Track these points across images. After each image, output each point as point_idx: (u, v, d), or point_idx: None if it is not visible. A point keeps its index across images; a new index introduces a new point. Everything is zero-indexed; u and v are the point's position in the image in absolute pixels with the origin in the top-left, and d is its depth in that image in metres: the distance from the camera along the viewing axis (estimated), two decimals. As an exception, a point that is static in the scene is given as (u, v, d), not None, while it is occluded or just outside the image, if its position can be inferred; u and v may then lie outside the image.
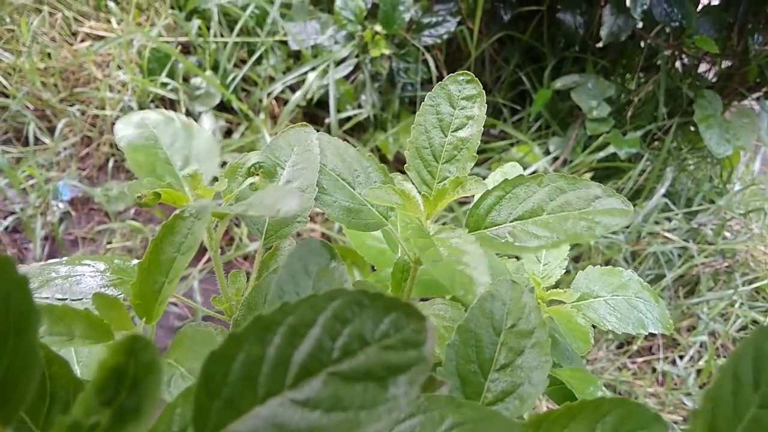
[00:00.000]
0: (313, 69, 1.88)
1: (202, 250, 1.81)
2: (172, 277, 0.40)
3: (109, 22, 2.08)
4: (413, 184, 0.57)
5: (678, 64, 2.23)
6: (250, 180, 0.49)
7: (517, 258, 0.72)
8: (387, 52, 1.84)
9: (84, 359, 0.51)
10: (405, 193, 0.54)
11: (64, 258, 0.50)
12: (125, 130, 0.55)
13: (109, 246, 1.73)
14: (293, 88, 1.99)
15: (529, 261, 0.69)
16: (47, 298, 0.44)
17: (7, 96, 1.80)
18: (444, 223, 0.56)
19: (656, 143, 2.24)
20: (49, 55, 1.92)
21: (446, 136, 0.58)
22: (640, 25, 2.06)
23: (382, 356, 0.28)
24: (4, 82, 1.78)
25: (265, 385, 0.27)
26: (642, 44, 2.15)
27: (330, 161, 0.58)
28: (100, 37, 2.04)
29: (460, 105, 0.59)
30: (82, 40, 2.03)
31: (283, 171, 0.56)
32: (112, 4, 2.09)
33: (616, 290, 0.68)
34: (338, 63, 1.90)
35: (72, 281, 0.46)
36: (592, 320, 0.65)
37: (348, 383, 0.27)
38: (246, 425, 0.27)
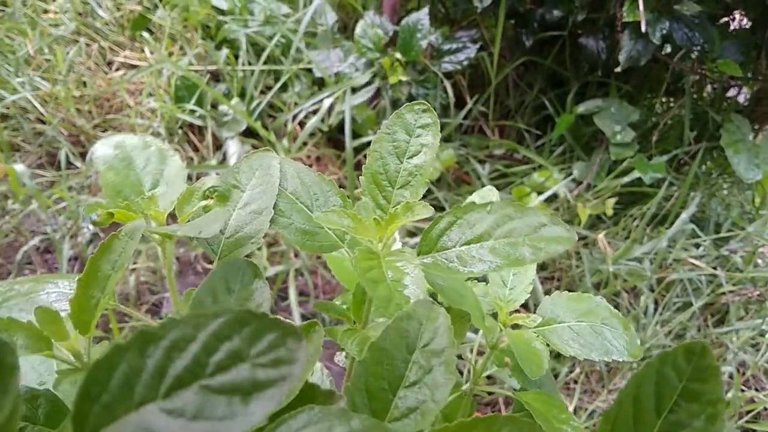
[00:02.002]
0: (331, 95, 1.92)
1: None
2: (107, 293, 0.43)
3: (142, 51, 2.18)
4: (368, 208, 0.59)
5: (709, 88, 2.20)
6: (203, 203, 0.52)
7: (486, 282, 0.73)
8: (405, 78, 1.87)
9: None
10: (356, 217, 0.56)
11: (32, 276, 0.53)
12: (104, 150, 0.59)
13: (134, 267, 1.79)
14: (316, 114, 2.04)
15: (496, 285, 0.70)
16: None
17: (43, 122, 1.90)
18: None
19: (684, 168, 2.20)
20: (84, 83, 2.02)
21: (402, 163, 0.60)
22: (668, 49, 2.05)
23: (252, 373, 0.30)
24: (41, 109, 1.88)
25: (141, 393, 0.30)
26: (668, 68, 2.13)
27: (290, 184, 0.61)
28: (134, 66, 2.13)
29: (416, 133, 0.61)
30: (117, 69, 2.13)
31: (243, 194, 0.59)
32: (146, 35, 2.19)
33: (582, 316, 0.68)
34: (358, 89, 1.94)
35: (31, 299, 0.49)
36: (554, 345, 0.65)
37: (215, 395, 0.29)
38: (119, 430, 0.29)
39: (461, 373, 1.43)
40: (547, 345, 0.66)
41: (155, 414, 0.29)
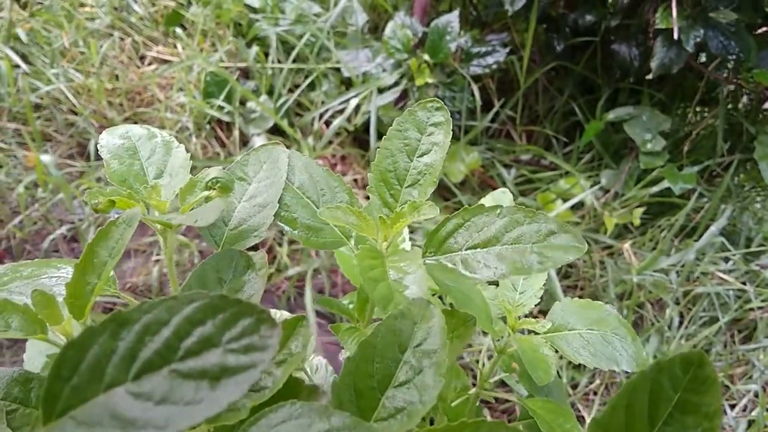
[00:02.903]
0: (357, 96, 1.92)
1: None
2: (103, 278, 0.43)
3: (175, 47, 2.21)
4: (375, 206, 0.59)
5: (744, 98, 2.14)
6: (206, 194, 0.52)
7: (497, 285, 0.72)
8: (432, 80, 1.86)
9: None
10: (362, 215, 0.56)
11: (36, 260, 0.54)
12: (110, 140, 0.59)
13: (157, 258, 1.81)
14: (342, 113, 2.04)
15: (506, 289, 0.68)
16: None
17: (75, 113, 1.94)
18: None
19: (716, 180, 2.15)
20: (117, 76, 2.05)
21: (411, 161, 0.59)
22: (703, 58, 2.01)
23: (222, 358, 0.29)
24: (74, 101, 1.92)
25: (111, 376, 0.29)
26: (702, 77, 2.08)
27: (297, 179, 0.60)
28: (166, 61, 2.16)
29: (428, 131, 0.60)
30: (149, 64, 2.16)
31: (249, 186, 0.58)
32: (179, 31, 2.21)
33: (593, 324, 0.66)
34: (385, 90, 1.93)
35: (32, 283, 0.50)
36: (564, 352, 0.64)
37: (184, 380, 0.29)
38: (87, 412, 0.29)
39: (474, 376, 1.41)
40: (556, 352, 0.65)
41: (123, 397, 0.29)
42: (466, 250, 0.55)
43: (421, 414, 0.38)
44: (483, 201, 0.79)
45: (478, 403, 1.53)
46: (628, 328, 0.66)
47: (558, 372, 1.64)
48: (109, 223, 0.44)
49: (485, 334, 0.77)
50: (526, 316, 0.67)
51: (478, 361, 0.77)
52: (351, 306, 0.66)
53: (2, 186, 1.75)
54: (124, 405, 0.29)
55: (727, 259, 2.01)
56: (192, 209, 0.52)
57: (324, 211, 0.54)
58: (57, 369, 0.30)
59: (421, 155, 0.59)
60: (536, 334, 0.65)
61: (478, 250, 0.54)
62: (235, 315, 0.31)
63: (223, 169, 0.55)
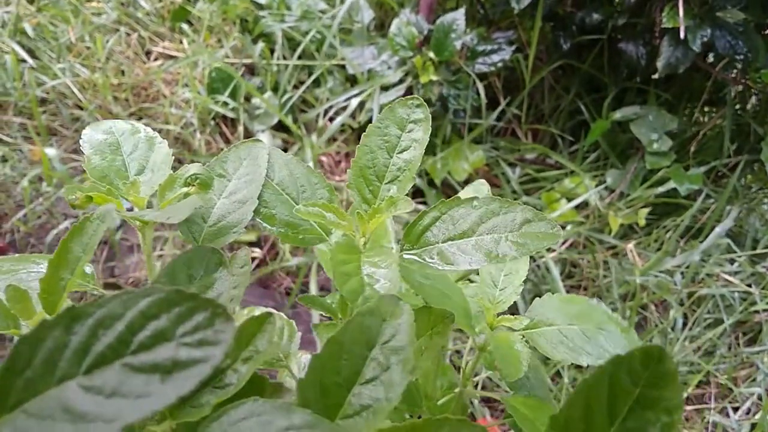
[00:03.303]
0: (361, 93, 1.92)
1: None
2: (76, 274, 0.44)
3: (181, 42, 2.22)
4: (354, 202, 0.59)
5: (753, 99, 2.12)
6: (184, 190, 0.52)
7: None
8: (436, 78, 1.85)
9: None
10: (339, 211, 0.56)
11: (16, 255, 0.54)
12: (93, 135, 0.60)
13: (160, 254, 1.82)
14: (346, 110, 2.05)
15: (486, 285, 0.68)
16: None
17: (81, 108, 1.95)
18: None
19: (722, 180, 2.13)
20: (122, 72, 2.06)
21: (391, 158, 0.59)
22: (712, 58, 1.99)
23: (175, 352, 0.30)
24: (79, 95, 1.93)
25: (63, 370, 0.30)
26: (710, 77, 2.07)
27: (277, 175, 0.60)
28: (172, 57, 2.17)
29: (408, 128, 0.60)
30: (155, 59, 2.17)
31: (229, 183, 0.59)
32: (185, 26, 2.22)
33: (574, 319, 0.65)
34: (389, 87, 1.93)
35: (10, 277, 0.50)
36: (540, 348, 0.64)
37: (135, 374, 0.29)
38: (39, 405, 0.29)
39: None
40: (534, 348, 0.64)
41: (74, 391, 0.29)
42: (443, 242, 0.55)
43: (387, 411, 0.38)
44: (461, 193, 0.79)
45: (478, 402, 1.53)
46: (617, 322, 0.65)
47: (560, 371, 1.63)
48: (83, 219, 0.45)
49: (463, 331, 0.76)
50: (505, 313, 0.67)
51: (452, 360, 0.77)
52: (334, 304, 0.66)
53: (7, 180, 1.77)
54: (75, 398, 0.29)
55: (732, 261, 1.99)
56: (170, 205, 0.52)
57: (300, 208, 0.54)
58: (11, 362, 0.30)
59: (401, 152, 0.59)
60: (513, 330, 0.65)
61: (455, 241, 0.54)
62: (190, 309, 0.31)
63: (203, 165, 0.56)
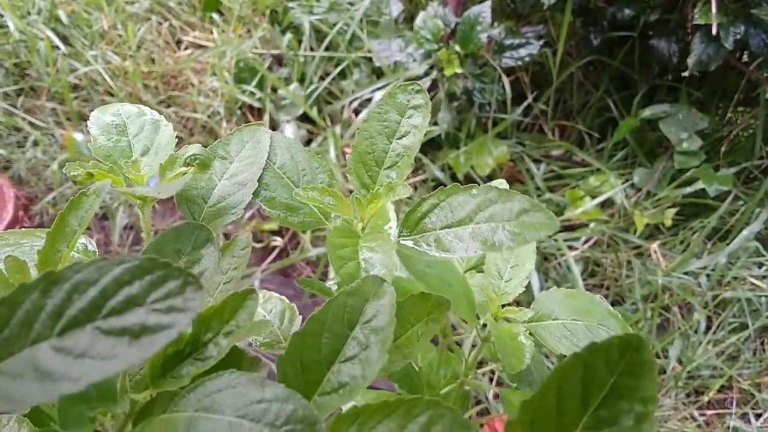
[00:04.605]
0: (386, 86, 1.92)
1: (267, 252, 1.90)
2: (71, 246, 0.45)
3: (211, 32, 2.24)
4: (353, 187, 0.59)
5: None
6: (183, 169, 0.54)
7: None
8: (461, 71, 1.85)
9: None
10: (338, 195, 0.56)
11: (23, 229, 0.56)
12: (100, 117, 0.61)
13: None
14: (370, 102, 2.05)
15: (491, 276, 0.68)
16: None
17: (111, 95, 1.99)
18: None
19: (753, 183, 2.08)
20: (153, 60, 2.10)
21: (391, 143, 0.60)
22: (746, 57, 1.94)
23: (144, 318, 0.31)
24: (110, 82, 1.97)
25: (37, 331, 0.31)
26: (743, 76, 2.02)
27: (279, 159, 0.61)
28: (201, 46, 2.20)
29: (407, 114, 0.60)
30: (185, 48, 2.20)
31: (231, 165, 0.60)
32: (216, 17, 2.25)
33: (578, 314, 0.65)
34: (414, 80, 1.93)
35: (15, 249, 0.52)
36: (544, 341, 0.63)
37: (104, 337, 0.30)
38: (13, 365, 0.30)
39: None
40: (536, 341, 0.64)
41: (46, 351, 0.30)
42: (440, 229, 0.55)
43: (362, 388, 0.38)
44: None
45: (492, 398, 1.52)
46: (618, 319, 0.65)
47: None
48: (79, 194, 0.46)
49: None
50: (510, 305, 0.67)
51: (453, 350, 0.77)
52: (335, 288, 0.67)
53: (38, 163, 1.81)
54: (46, 359, 0.30)
55: (761, 265, 1.94)
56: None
57: (299, 192, 0.55)
58: (-12, 323, 0.31)
59: (400, 137, 0.59)
60: (518, 322, 0.65)
61: (452, 229, 0.54)
62: (162, 277, 0.32)
63: (205, 147, 0.57)
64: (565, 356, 0.65)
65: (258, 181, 0.58)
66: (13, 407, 0.29)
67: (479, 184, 0.56)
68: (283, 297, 0.70)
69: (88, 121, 0.59)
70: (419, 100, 0.59)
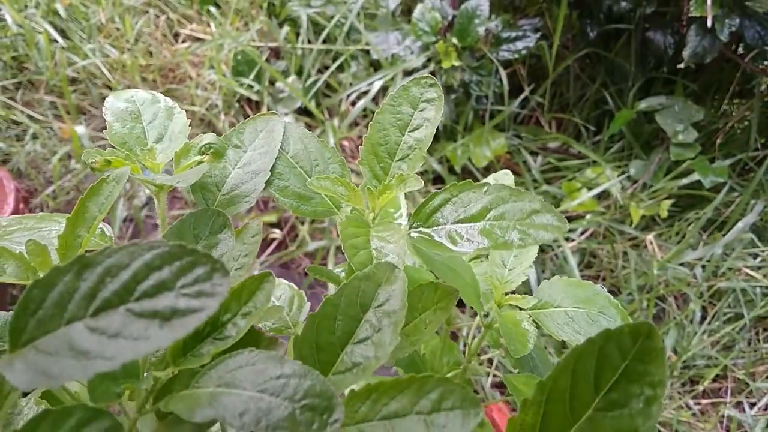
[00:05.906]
0: (383, 78, 1.93)
1: (266, 244, 1.90)
2: (91, 231, 0.46)
3: (208, 25, 2.24)
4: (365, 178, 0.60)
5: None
6: (198, 158, 0.54)
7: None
8: (458, 64, 1.86)
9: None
10: (350, 185, 0.57)
11: (40, 213, 0.57)
12: (115, 103, 0.62)
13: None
14: (368, 94, 2.06)
15: (495, 265, 0.69)
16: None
17: (110, 88, 1.99)
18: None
19: (748, 174, 2.10)
20: (150, 53, 2.10)
21: (403, 136, 0.61)
22: (742, 49, 1.95)
23: (174, 302, 0.32)
24: (109, 75, 1.97)
25: (72, 312, 0.32)
26: (739, 68, 2.03)
27: (292, 148, 0.62)
28: (199, 39, 2.20)
29: (420, 107, 0.61)
30: (183, 41, 2.20)
31: (245, 154, 0.60)
32: (213, 9, 2.25)
33: (580, 303, 0.66)
34: (411, 72, 1.94)
35: (33, 233, 0.53)
36: (546, 328, 0.65)
37: (137, 318, 0.31)
38: (48, 343, 0.31)
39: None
40: (539, 327, 0.65)
41: (81, 331, 0.31)
42: (452, 224, 0.56)
43: (374, 368, 0.40)
44: (486, 181, 0.80)
45: (489, 386, 1.54)
46: (618, 308, 0.66)
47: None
48: (100, 180, 0.47)
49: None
50: (513, 293, 0.68)
51: (458, 336, 0.78)
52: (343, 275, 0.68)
53: (38, 156, 1.82)
54: (81, 338, 0.31)
55: (755, 256, 1.97)
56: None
57: (312, 181, 0.56)
58: (24, 303, 0.32)
59: (413, 130, 0.60)
60: (521, 309, 0.66)
61: (464, 224, 0.55)
62: (191, 263, 0.33)
63: (219, 136, 0.58)
64: (566, 343, 0.66)
65: (271, 170, 0.59)
66: (51, 383, 0.30)
67: (478, 178, 0.57)
68: (291, 284, 0.71)
69: (103, 107, 0.60)
70: (432, 93, 0.60)
